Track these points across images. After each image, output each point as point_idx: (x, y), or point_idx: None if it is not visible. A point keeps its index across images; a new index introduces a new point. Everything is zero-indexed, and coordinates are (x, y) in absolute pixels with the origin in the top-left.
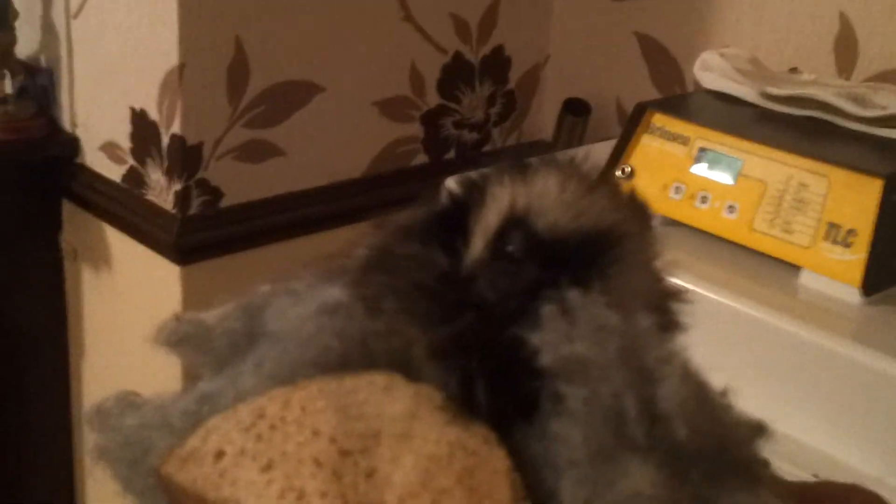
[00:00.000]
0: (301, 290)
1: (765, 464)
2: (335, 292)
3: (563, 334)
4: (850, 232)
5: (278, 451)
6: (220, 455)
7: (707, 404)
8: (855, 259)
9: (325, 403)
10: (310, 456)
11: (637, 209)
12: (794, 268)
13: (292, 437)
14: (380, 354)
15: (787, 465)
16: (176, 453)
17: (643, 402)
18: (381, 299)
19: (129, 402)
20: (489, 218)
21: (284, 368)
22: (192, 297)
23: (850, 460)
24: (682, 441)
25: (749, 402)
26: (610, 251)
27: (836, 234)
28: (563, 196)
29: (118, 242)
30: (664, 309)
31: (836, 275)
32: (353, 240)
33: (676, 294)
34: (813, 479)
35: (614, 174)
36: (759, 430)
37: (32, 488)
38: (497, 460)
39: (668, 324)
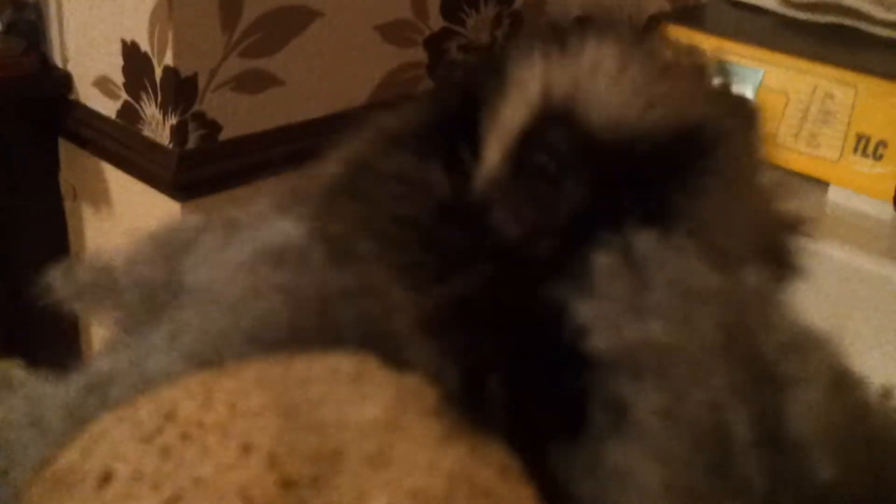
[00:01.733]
0: (244, 222)
1: None
2: (286, 227)
3: (628, 303)
4: (881, 143)
5: (190, 475)
6: (106, 478)
7: (861, 419)
8: (887, 172)
9: (263, 400)
10: (235, 486)
11: (735, 101)
12: (822, 184)
13: (213, 453)
14: (348, 324)
15: None
16: (44, 472)
17: (762, 417)
18: (352, 240)
19: (3, 380)
20: (511, 112)
21: (208, 342)
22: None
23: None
24: (825, 482)
25: None
26: (702, 161)
27: (866, 146)
28: (625, 76)
29: (117, 180)
30: (778, 248)
31: (867, 189)
32: (327, 150)
33: (793, 223)
34: None
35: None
36: None
37: None
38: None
39: (784, 271)
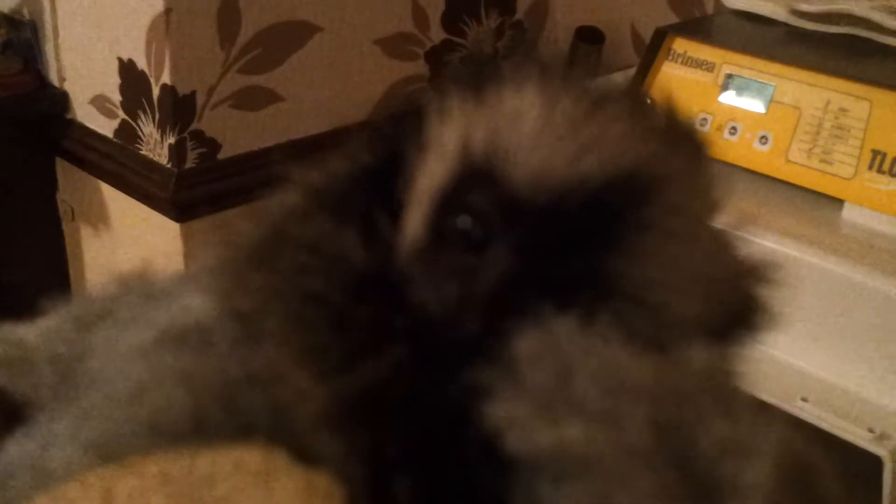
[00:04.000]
0: (161, 292)
1: None
2: (195, 303)
3: (548, 398)
4: None
5: None
6: None
7: None
8: None
9: (163, 501)
10: None
11: (678, 134)
12: (836, 201)
13: None
14: (257, 413)
15: (843, 421)
16: None
17: None
18: (260, 319)
19: None
20: (430, 171)
21: (110, 433)
22: (195, 255)
23: None
24: None
25: (793, 351)
26: (639, 213)
27: (882, 162)
28: (549, 121)
29: (115, 200)
30: (737, 299)
31: (883, 207)
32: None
33: (755, 270)
34: None
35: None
36: None
37: None
38: None
39: (746, 329)
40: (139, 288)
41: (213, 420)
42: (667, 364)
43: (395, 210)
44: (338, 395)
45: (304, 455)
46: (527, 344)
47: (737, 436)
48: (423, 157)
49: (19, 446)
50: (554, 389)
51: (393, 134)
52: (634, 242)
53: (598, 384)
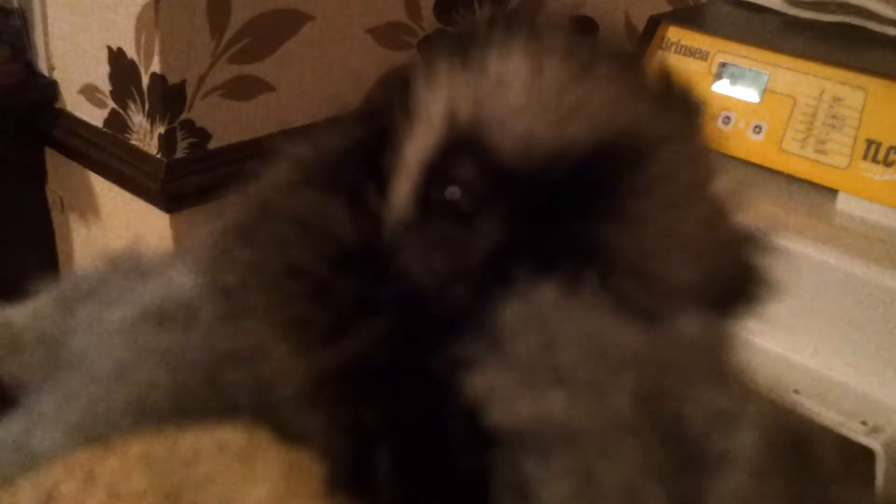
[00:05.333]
0: (148, 270)
1: None
2: (179, 279)
3: (531, 368)
4: (892, 149)
5: None
6: None
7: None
8: None
9: (146, 482)
10: None
11: (672, 97)
12: (830, 191)
13: None
14: (241, 390)
15: (835, 413)
16: None
17: (681, 501)
18: (246, 292)
19: None
20: (416, 142)
21: (92, 414)
22: (184, 246)
23: None
24: None
25: (786, 343)
26: (629, 179)
27: (876, 152)
28: (535, 87)
29: (104, 191)
30: (734, 268)
31: (878, 197)
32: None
33: (748, 238)
34: None
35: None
36: None
37: None
38: None
39: (742, 297)
40: (126, 266)
41: (196, 398)
42: (656, 333)
43: (383, 182)
44: (319, 369)
45: (286, 432)
46: (511, 313)
47: (725, 406)
48: (411, 128)
49: (5, 428)
50: (537, 359)
51: (382, 105)
52: (625, 209)
53: (582, 353)
